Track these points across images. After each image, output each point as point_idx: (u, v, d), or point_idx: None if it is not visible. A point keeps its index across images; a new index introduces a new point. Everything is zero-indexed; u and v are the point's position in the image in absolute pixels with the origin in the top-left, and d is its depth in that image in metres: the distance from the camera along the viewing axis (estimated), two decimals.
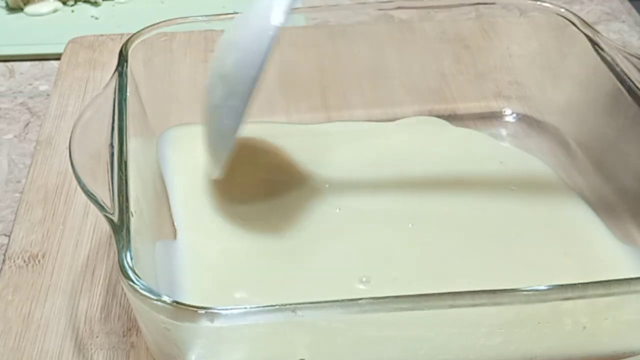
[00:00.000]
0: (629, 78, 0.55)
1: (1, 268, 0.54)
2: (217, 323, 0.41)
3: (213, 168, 0.56)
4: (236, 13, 0.66)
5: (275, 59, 0.64)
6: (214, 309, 0.41)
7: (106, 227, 0.50)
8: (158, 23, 0.59)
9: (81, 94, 0.68)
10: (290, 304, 0.41)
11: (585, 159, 0.59)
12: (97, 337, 0.50)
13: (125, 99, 0.52)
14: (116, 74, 0.54)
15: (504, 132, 0.64)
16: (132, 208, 0.46)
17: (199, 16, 0.61)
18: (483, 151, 0.61)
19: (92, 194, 0.47)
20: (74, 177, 0.48)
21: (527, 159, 0.61)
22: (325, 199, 0.57)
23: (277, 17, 0.50)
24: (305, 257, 0.53)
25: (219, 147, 0.54)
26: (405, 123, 0.63)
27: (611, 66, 0.56)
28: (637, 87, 0.54)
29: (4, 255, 0.55)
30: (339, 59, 0.64)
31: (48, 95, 0.71)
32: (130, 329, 0.50)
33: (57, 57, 0.74)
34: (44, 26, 0.81)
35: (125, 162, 0.48)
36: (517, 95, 0.65)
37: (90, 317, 0.51)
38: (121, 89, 0.53)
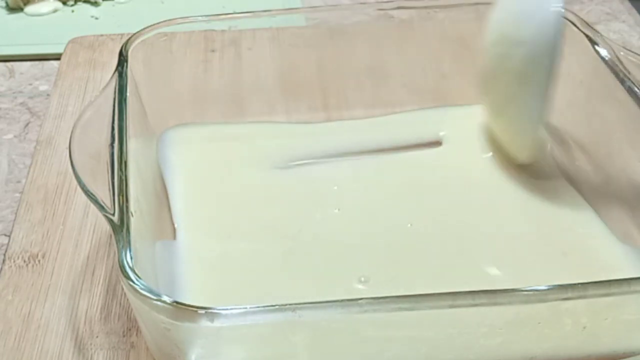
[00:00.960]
0: (629, 78, 0.55)
1: (1, 268, 0.54)
2: (217, 323, 0.41)
3: (521, 152, 0.58)
4: (236, 13, 0.66)
5: (275, 59, 0.64)
6: (214, 309, 0.41)
7: (106, 227, 0.50)
8: (158, 23, 0.59)
9: (81, 94, 0.68)
10: (290, 304, 0.41)
11: (585, 159, 0.59)
12: (97, 337, 0.50)
13: (125, 99, 0.52)
14: (116, 74, 0.54)
15: None
16: (132, 208, 0.46)
17: (199, 16, 0.61)
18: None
19: (92, 194, 0.47)
20: (74, 177, 0.48)
21: None
22: (325, 199, 0.57)
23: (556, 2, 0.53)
24: (305, 257, 0.53)
25: (524, 133, 0.57)
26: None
27: (611, 66, 0.56)
28: (637, 87, 0.54)
29: (4, 255, 0.55)
30: (339, 59, 0.64)
31: (48, 95, 0.71)
32: (130, 329, 0.50)
33: (57, 57, 0.74)
34: (44, 26, 0.81)
35: (125, 162, 0.48)
36: None
37: (90, 317, 0.51)
38: (121, 89, 0.53)
